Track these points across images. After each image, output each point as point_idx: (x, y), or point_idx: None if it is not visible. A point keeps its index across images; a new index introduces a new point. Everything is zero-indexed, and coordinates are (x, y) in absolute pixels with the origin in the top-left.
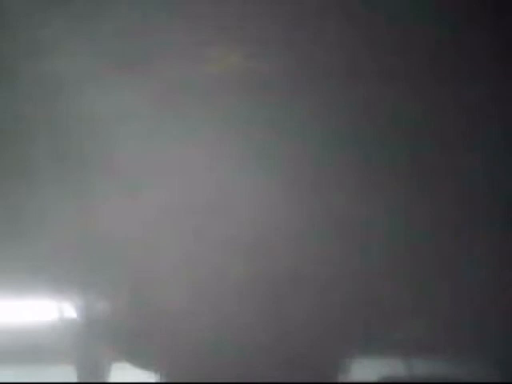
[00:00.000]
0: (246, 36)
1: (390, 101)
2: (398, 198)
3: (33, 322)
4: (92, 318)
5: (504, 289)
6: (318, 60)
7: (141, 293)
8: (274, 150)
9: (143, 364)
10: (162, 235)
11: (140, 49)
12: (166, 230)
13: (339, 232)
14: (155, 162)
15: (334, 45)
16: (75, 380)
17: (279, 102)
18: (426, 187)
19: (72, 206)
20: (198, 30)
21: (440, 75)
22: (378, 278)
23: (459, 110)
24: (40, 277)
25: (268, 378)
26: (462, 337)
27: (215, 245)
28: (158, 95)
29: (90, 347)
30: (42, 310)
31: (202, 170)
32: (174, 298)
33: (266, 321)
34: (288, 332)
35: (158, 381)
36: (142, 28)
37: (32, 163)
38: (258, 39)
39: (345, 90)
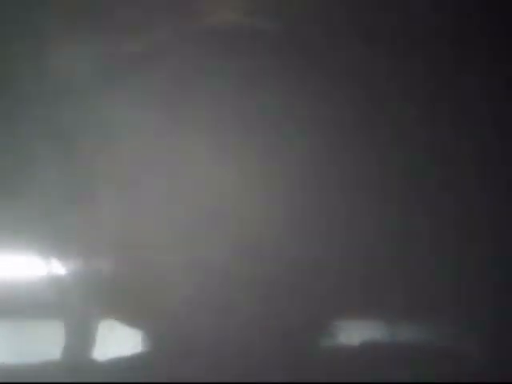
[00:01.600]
0: None
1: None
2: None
3: (20, 278)
4: (81, 274)
5: (487, 261)
6: (322, 20)
7: (134, 253)
8: (274, 120)
9: (132, 322)
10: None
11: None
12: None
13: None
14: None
15: (340, 3)
16: (62, 336)
17: (279, 64)
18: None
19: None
20: None
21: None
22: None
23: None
24: (30, 233)
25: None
26: (446, 303)
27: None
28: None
29: (79, 304)
30: (29, 265)
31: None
32: (168, 259)
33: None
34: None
35: (146, 339)
36: None
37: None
38: None
39: (352, 53)
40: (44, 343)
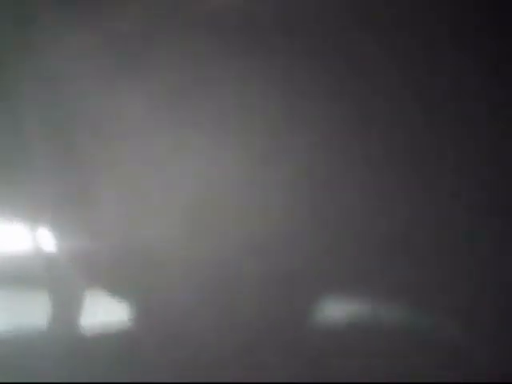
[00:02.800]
0: None
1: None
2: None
3: (8, 249)
4: (71, 246)
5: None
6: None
7: (132, 234)
8: (268, 110)
9: (121, 295)
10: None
11: None
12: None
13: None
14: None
15: None
16: (49, 306)
17: (273, 48)
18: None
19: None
20: None
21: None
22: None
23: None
24: (21, 205)
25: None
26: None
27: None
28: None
29: (67, 275)
30: (18, 236)
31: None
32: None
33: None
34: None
35: (134, 311)
36: None
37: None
38: None
39: (349, 39)
40: (32, 315)
